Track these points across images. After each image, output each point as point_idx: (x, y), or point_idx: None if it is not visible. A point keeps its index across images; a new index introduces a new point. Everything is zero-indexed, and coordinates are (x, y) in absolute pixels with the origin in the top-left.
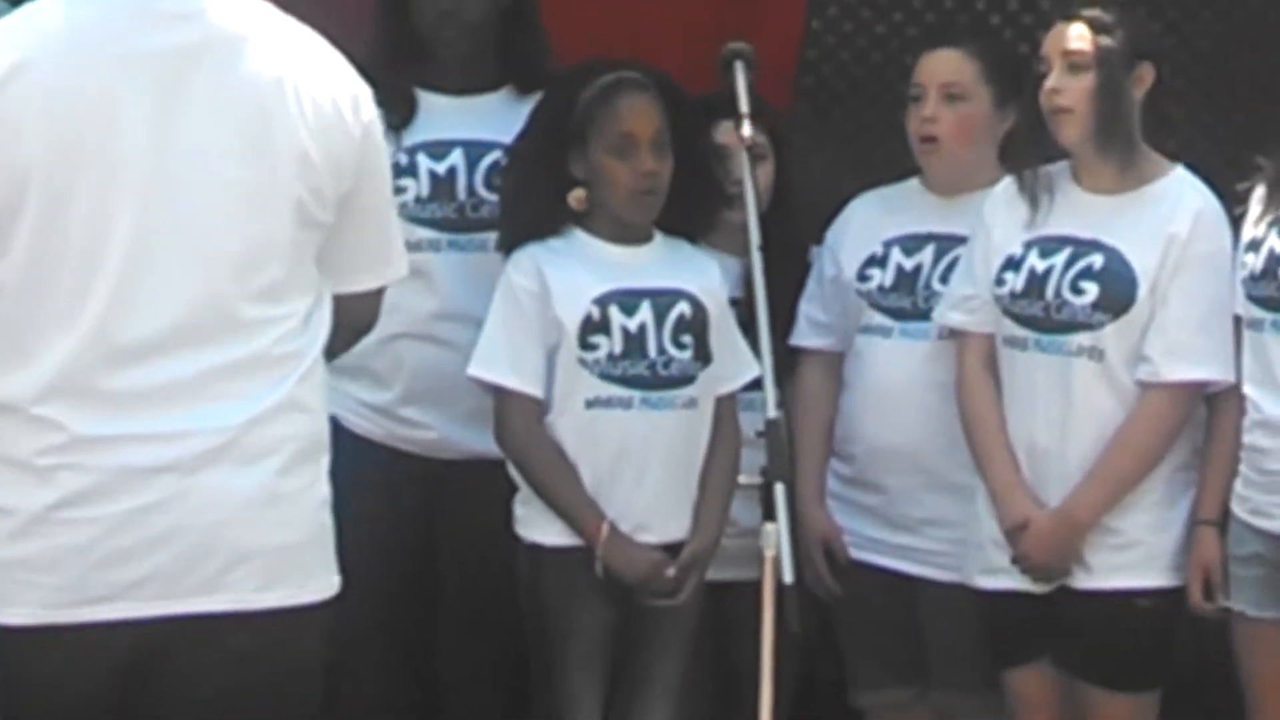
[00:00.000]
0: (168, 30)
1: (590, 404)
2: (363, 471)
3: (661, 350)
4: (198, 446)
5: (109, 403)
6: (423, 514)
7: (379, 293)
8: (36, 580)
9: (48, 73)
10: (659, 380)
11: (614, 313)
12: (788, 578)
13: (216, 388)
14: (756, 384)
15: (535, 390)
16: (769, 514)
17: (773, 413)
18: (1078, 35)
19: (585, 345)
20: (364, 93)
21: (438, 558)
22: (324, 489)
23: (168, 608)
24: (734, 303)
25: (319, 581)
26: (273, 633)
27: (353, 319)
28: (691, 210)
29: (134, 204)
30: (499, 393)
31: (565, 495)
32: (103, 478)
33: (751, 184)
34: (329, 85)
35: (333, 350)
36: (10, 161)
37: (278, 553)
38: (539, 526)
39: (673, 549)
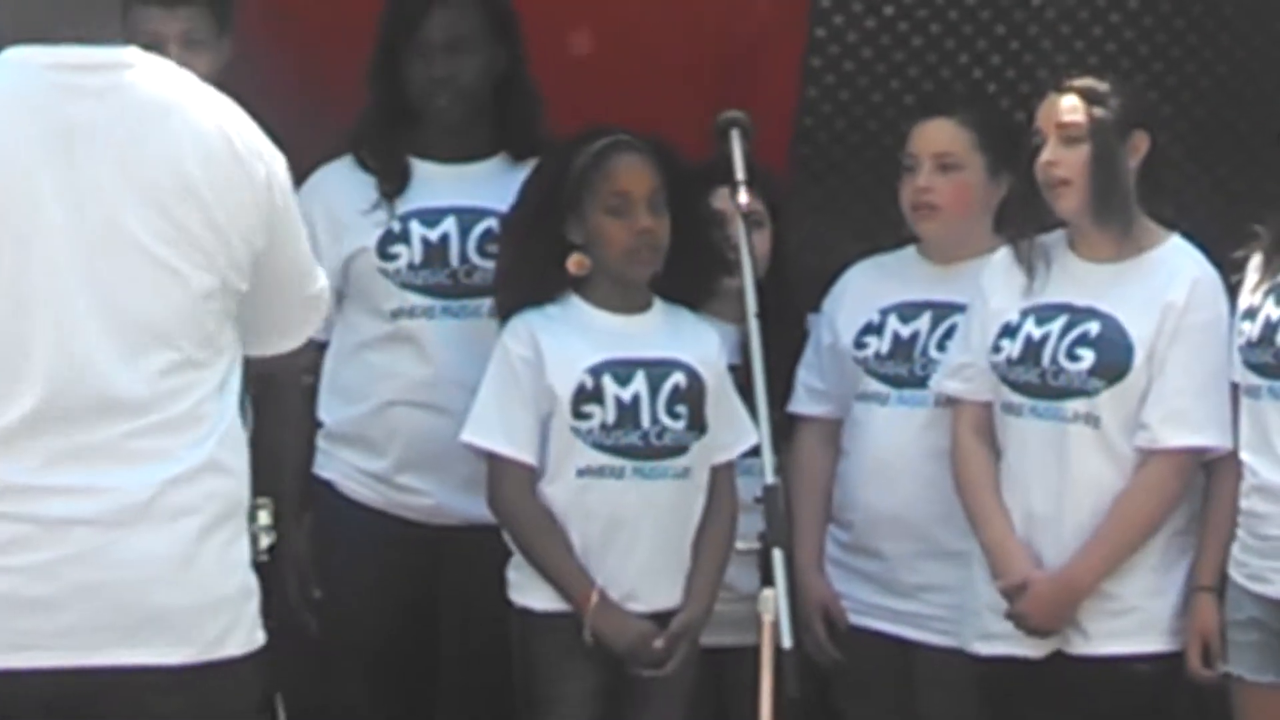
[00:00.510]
0: (87, 104)
1: (582, 473)
2: (361, 537)
3: (655, 420)
4: (118, 503)
5: (36, 457)
6: (421, 579)
7: (299, 350)
8: None
9: None
10: (652, 450)
11: (607, 382)
12: (786, 643)
13: (140, 445)
14: (755, 450)
15: (528, 457)
16: (767, 579)
17: (771, 479)
18: (1070, 108)
19: (578, 414)
20: (276, 158)
21: (436, 623)
22: (243, 549)
23: (87, 658)
24: (732, 369)
25: (241, 636)
26: (198, 693)
27: (283, 376)
28: (690, 276)
29: (54, 274)
30: (492, 459)
31: (555, 562)
32: (25, 527)
33: (748, 251)
34: (242, 153)
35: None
36: None
37: (194, 611)
38: (530, 592)
39: (663, 618)
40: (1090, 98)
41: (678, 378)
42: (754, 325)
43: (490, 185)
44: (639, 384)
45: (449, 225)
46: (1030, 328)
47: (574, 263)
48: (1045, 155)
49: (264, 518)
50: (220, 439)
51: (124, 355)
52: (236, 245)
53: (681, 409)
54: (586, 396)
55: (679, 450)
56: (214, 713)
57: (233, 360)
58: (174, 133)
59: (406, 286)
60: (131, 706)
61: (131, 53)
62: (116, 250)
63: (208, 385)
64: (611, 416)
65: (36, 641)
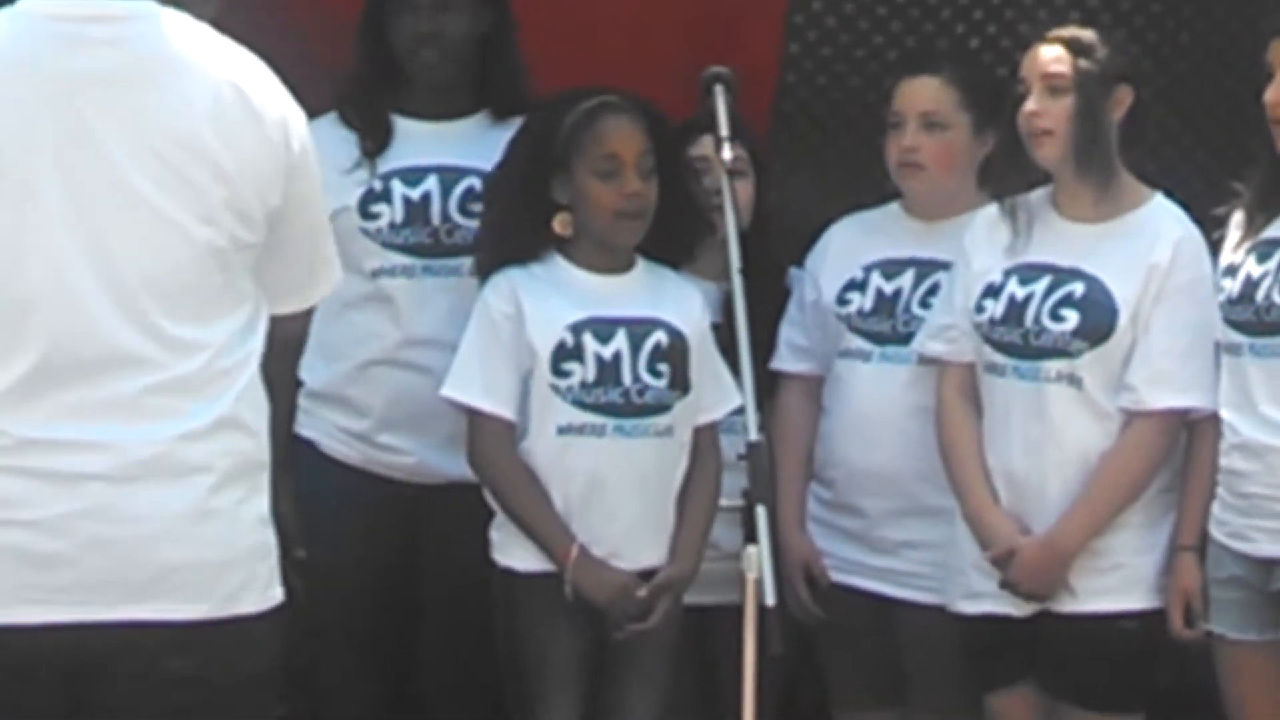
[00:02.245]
0: (92, 55)
1: (562, 431)
2: (343, 496)
3: (636, 378)
4: (129, 457)
5: (42, 412)
6: (403, 538)
7: (308, 311)
8: None
9: None
10: (633, 408)
11: (588, 340)
12: (770, 601)
13: (153, 403)
14: (738, 408)
15: (508, 413)
16: (751, 537)
17: (755, 436)
18: (1056, 58)
19: (558, 372)
20: (295, 115)
21: (418, 582)
22: (261, 506)
23: (98, 613)
24: (714, 328)
25: (255, 595)
26: (212, 650)
27: (284, 335)
28: (673, 236)
29: (53, 229)
30: (472, 415)
31: (535, 518)
32: (35, 482)
33: (732, 205)
34: (258, 108)
35: (280, 373)
36: None
37: (208, 567)
38: (513, 552)
39: (646, 576)
40: (1076, 49)
41: (659, 336)
42: (738, 281)
43: (473, 144)
44: (620, 342)
45: (431, 184)
46: (1014, 288)
47: (560, 223)
48: (1029, 105)
49: None
50: (238, 395)
51: (127, 310)
52: (248, 199)
53: (663, 367)
54: (567, 354)
55: (661, 409)
56: (228, 672)
57: (251, 316)
58: (183, 87)
59: (388, 246)
60: (142, 664)
61: (145, 5)
62: (119, 205)
63: (219, 341)
64: (592, 374)
65: (45, 596)
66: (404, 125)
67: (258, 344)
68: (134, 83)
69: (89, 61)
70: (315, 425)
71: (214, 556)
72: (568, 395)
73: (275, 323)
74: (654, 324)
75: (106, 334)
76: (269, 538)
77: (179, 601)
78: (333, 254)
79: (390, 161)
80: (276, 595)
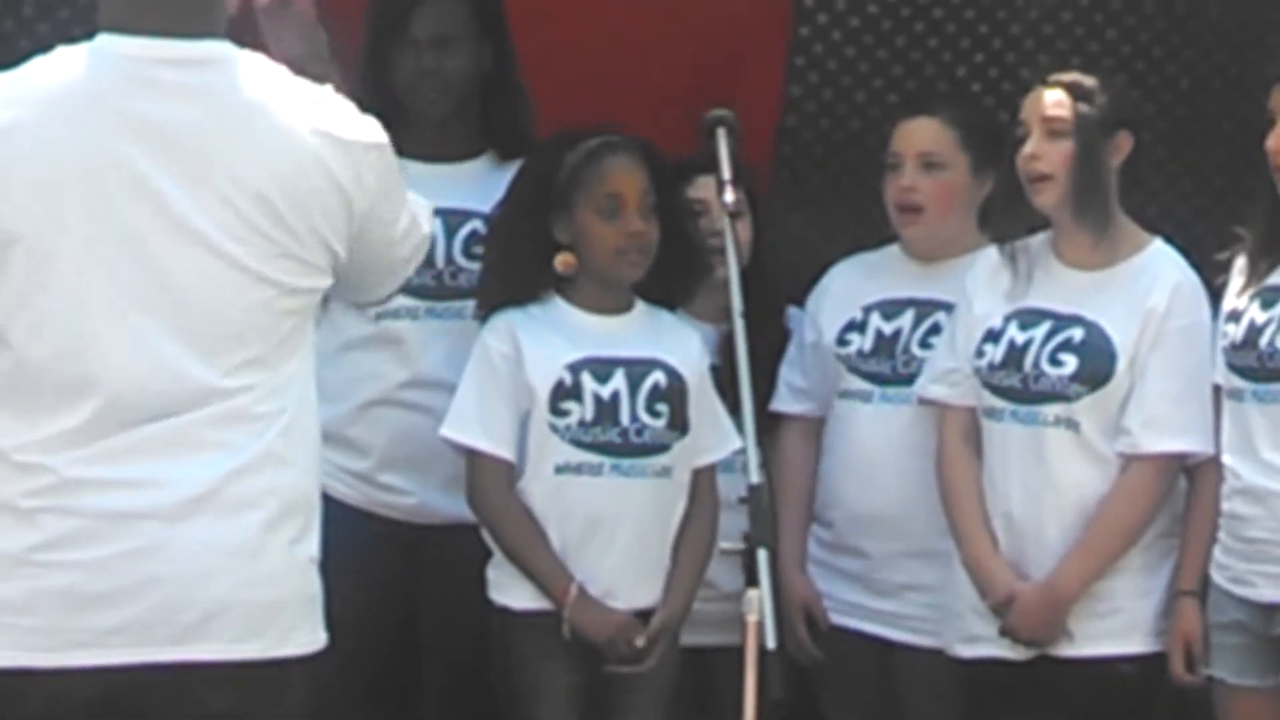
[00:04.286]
0: (163, 99)
1: (560, 469)
2: (344, 536)
3: (634, 418)
4: (180, 495)
5: (97, 451)
6: (404, 578)
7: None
8: (15, 623)
9: (37, 136)
10: (631, 448)
11: (586, 379)
12: (770, 643)
13: (200, 437)
14: (738, 450)
15: (506, 453)
16: (751, 579)
17: (755, 478)
18: (1056, 102)
19: (556, 411)
20: (370, 152)
21: (419, 619)
22: (311, 546)
23: (147, 655)
24: (713, 369)
25: (302, 636)
26: (253, 690)
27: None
28: (671, 278)
29: (121, 278)
30: (470, 455)
31: (534, 558)
32: (86, 521)
33: (734, 250)
34: (328, 160)
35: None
36: None
37: (258, 606)
38: (509, 590)
39: (642, 616)
40: (1077, 93)
41: (658, 376)
42: (739, 324)
43: (476, 186)
44: (618, 381)
45: (435, 227)
46: (1014, 333)
47: (562, 261)
48: (1028, 148)
49: None
50: (282, 431)
51: (187, 351)
52: (315, 250)
53: (662, 408)
54: (565, 393)
55: (659, 449)
56: (265, 712)
57: (304, 360)
58: (253, 138)
59: None
60: (183, 701)
61: (223, 48)
62: (181, 248)
63: (271, 383)
64: (590, 413)
65: (96, 639)
66: (406, 166)
67: (310, 390)
68: (203, 129)
69: (159, 105)
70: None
71: (266, 596)
72: (566, 434)
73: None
74: (652, 364)
75: (167, 376)
76: (316, 579)
77: (228, 641)
78: (409, 254)
79: None
80: (321, 639)
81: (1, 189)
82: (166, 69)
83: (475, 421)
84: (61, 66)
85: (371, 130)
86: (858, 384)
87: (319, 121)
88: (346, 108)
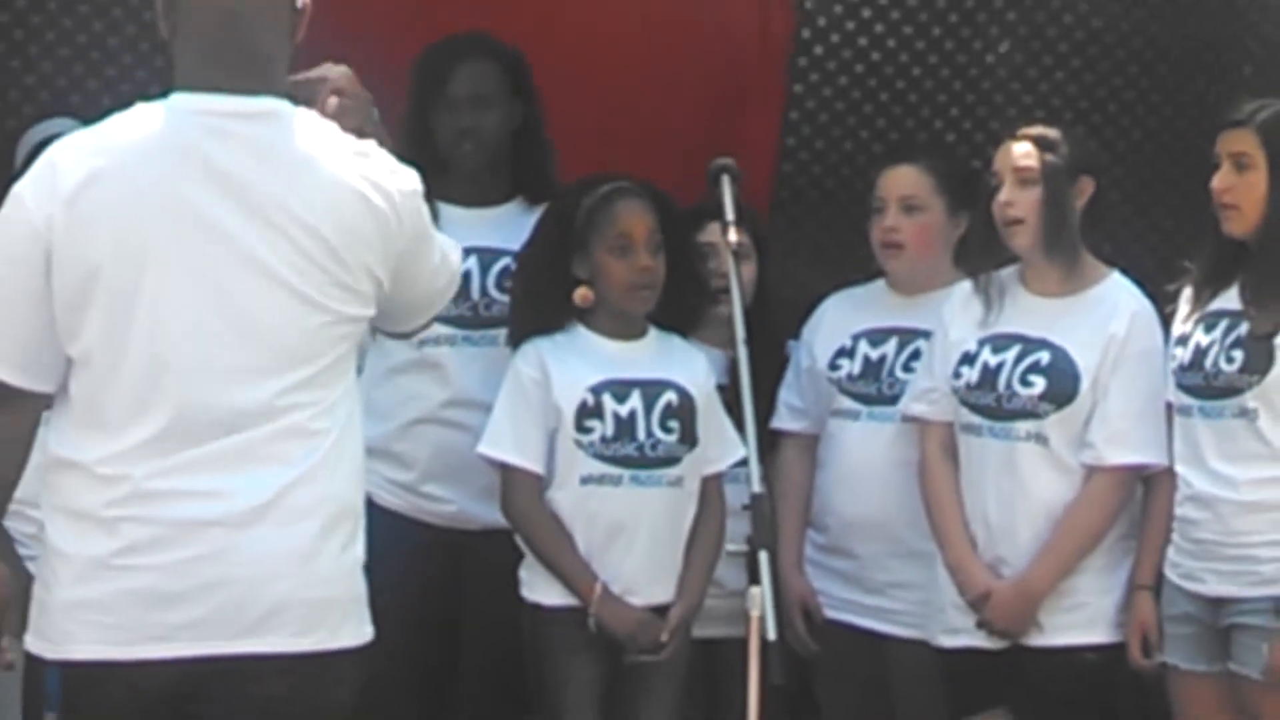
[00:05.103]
0: (232, 146)
1: (585, 480)
2: (391, 541)
3: (650, 434)
4: (244, 504)
5: (173, 464)
6: (445, 579)
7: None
8: (99, 620)
9: (120, 180)
10: (647, 460)
11: (607, 400)
12: (771, 635)
13: (262, 452)
14: (742, 461)
15: (537, 467)
16: (754, 578)
17: (758, 488)
18: (1025, 153)
19: (581, 428)
20: (409, 199)
21: (458, 615)
22: (358, 551)
23: (215, 648)
24: (720, 389)
25: (351, 630)
26: (303, 678)
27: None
28: (681, 307)
29: (193, 306)
30: (505, 469)
31: (562, 560)
32: (161, 529)
33: (738, 283)
34: (373, 200)
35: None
36: (84, 257)
37: (312, 605)
38: (540, 589)
39: (658, 611)
40: (1043, 145)
41: (670, 396)
42: (743, 352)
43: (507, 227)
44: (635, 401)
45: (471, 263)
46: (987, 356)
47: (580, 295)
48: (1002, 196)
49: None
50: (331, 446)
51: (255, 374)
52: (362, 280)
53: (674, 424)
54: (588, 412)
55: (672, 461)
56: (319, 697)
57: (349, 387)
58: (308, 180)
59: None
60: (245, 688)
61: (281, 104)
62: (249, 278)
63: (323, 403)
64: (610, 430)
65: (170, 634)
66: (447, 211)
67: (356, 410)
68: (266, 172)
69: (227, 153)
70: (368, 480)
71: (319, 595)
72: (589, 449)
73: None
74: (665, 385)
75: (233, 395)
76: (362, 580)
77: (287, 636)
78: (444, 287)
79: None
80: (368, 633)
81: (89, 229)
82: (233, 122)
83: (508, 439)
84: (140, 120)
85: (408, 179)
86: (848, 404)
87: (364, 170)
88: (387, 159)
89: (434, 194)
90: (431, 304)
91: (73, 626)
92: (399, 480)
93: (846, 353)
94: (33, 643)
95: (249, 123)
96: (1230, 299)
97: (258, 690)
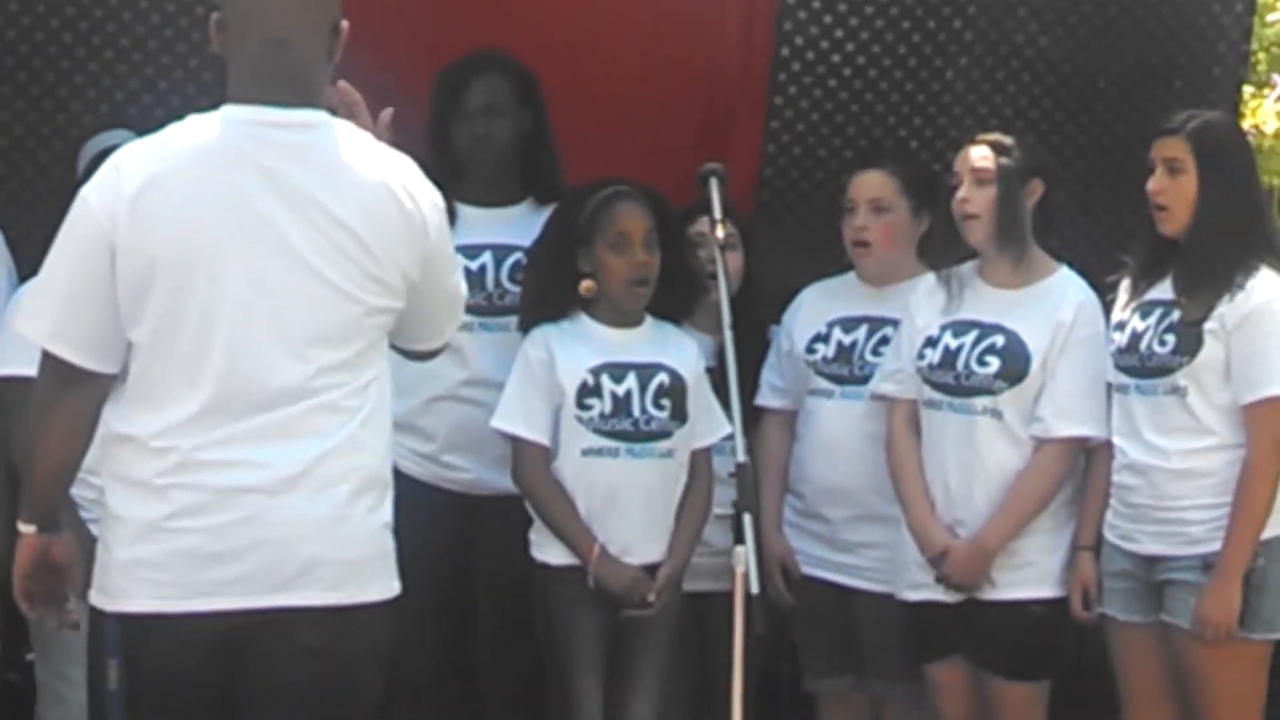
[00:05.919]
0: (277, 152)
1: (585, 453)
2: (414, 506)
3: (644, 411)
4: (280, 473)
5: (217, 437)
6: (462, 540)
7: (435, 350)
8: (152, 577)
9: (179, 182)
10: (641, 435)
11: (605, 380)
12: (754, 589)
13: (298, 426)
14: (729, 436)
15: (543, 440)
16: (739, 538)
17: (742, 458)
18: (982, 156)
19: (581, 406)
20: (434, 208)
21: (473, 573)
22: (386, 515)
23: (255, 602)
24: (709, 371)
25: (380, 585)
26: (340, 628)
27: (419, 357)
28: (675, 297)
29: (239, 295)
30: (515, 441)
31: (565, 524)
32: (207, 495)
33: (725, 275)
34: (404, 204)
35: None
36: (145, 251)
37: (343, 563)
38: (547, 549)
39: (650, 569)
40: (998, 149)
41: (662, 377)
42: (729, 336)
43: (519, 225)
44: (631, 382)
45: (486, 258)
46: (948, 339)
47: (584, 287)
48: (960, 194)
49: None
50: (363, 421)
51: (292, 356)
52: (391, 274)
53: (666, 402)
54: (588, 391)
55: (663, 435)
56: (351, 646)
57: (380, 370)
58: (345, 183)
59: None
60: (284, 638)
61: (321, 115)
62: (290, 270)
63: (355, 383)
64: (608, 408)
65: (215, 589)
66: (464, 211)
67: (386, 391)
68: (305, 173)
69: (274, 157)
70: (394, 451)
71: (350, 554)
72: (589, 425)
73: (410, 353)
74: (658, 368)
75: (274, 375)
76: (390, 540)
77: (321, 590)
78: (459, 309)
79: (454, 240)
80: (395, 587)
81: (150, 226)
82: (278, 130)
83: (519, 414)
84: (195, 129)
85: (435, 193)
86: (823, 384)
87: (396, 176)
88: (416, 169)
89: (453, 195)
90: (444, 324)
91: (128, 583)
92: (421, 451)
93: (822, 338)
94: (95, 597)
95: (291, 131)
96: (1164, 290)
97: (297, 639)
